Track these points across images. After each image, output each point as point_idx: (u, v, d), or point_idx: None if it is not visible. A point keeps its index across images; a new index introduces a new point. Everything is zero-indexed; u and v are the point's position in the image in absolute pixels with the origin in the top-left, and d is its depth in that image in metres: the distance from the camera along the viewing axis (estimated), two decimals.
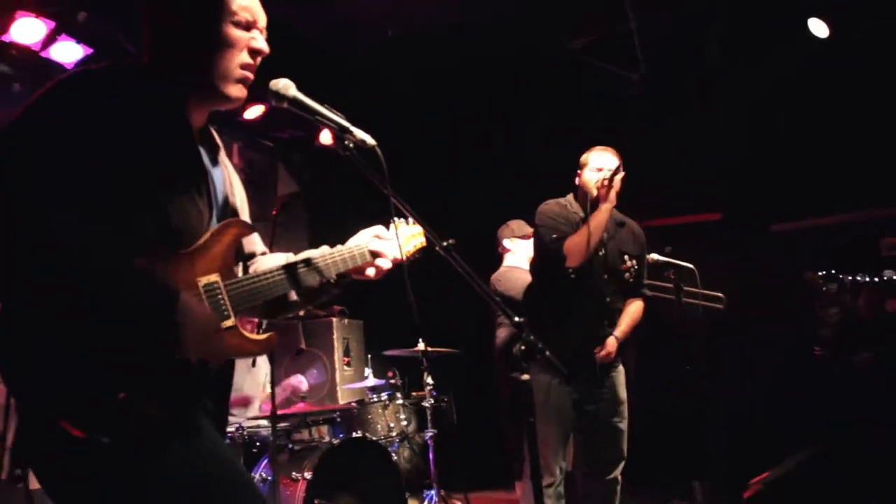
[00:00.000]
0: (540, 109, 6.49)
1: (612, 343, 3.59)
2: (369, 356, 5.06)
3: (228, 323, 1.62)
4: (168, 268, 1.53)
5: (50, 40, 4.26)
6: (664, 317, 4.66)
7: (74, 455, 1.43)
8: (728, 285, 4.93)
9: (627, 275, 3.67)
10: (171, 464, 1.48)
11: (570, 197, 3.80)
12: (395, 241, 1.93)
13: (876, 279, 7.70)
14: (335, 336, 5.86)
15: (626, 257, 3.68)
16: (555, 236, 3.60)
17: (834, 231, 7.06)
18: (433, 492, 4.56)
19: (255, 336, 1.68)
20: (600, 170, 3.60)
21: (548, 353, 2.02)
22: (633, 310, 3.77)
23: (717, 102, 6.07)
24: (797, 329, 6.64)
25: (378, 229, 1.96)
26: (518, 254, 4.71)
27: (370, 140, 1.74)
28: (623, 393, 3.70)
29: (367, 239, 1.92)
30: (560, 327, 3.49)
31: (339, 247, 1.89)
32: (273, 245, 3.88)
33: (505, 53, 5.97)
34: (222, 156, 1.80)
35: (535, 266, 3.95)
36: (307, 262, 1.81)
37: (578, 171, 3.74)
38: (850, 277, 8.03)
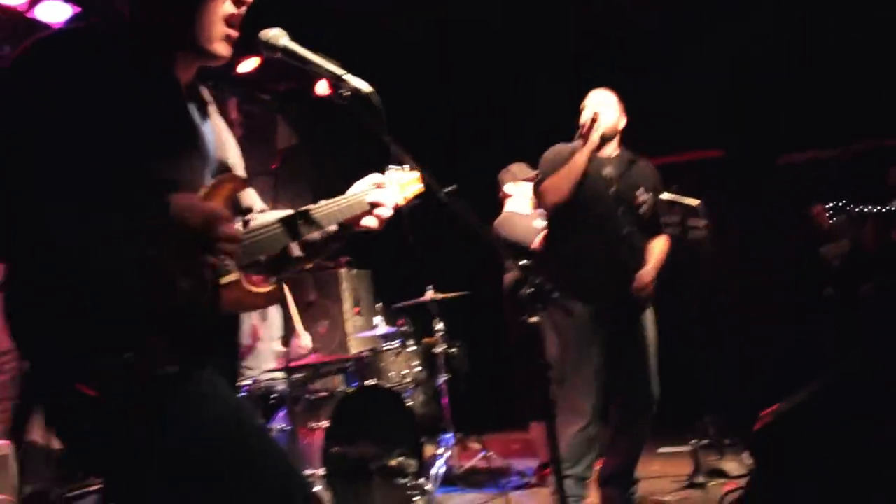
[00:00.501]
0: (542, 48, 6.38)
1: (646, 274, 3.54)
2: (379, 305, 5.09)
3: (231, 277, 1.61)
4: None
5: (35, 0, 4.19)
6: (672, 255, 4.68)
7: (91, 414, 1.45)
8: (734, 223, 4.93)
9: (643, 209, 3.61)
10: (186, 417, 1.49)
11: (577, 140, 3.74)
12: (394, 187, 1.90)
13: (884, 210, 7.70)
14: (343, 287, 5.89)
15: (639, 192, 3.62)
16: (540, 177, 3.62)
17: (840, 163, 7.00)
18: (450, 435, 4.64)
19: (258, 289, 1.66)
20: (599, 102, 3.61)
21: (556, 294, 2.02)
22: (659, 246, 3.72)
23: (720, 37, 5.96)
24: (806, 266, 6.65)
25: (376, 177, 1.92)
26: (519, 198, 4.68)
27: (366, 87, 1.70)
28: (653, 332, 3.66)
29: (365, 187, 1.90)
30: (582, 267, 3.48)
31: (337, 197, 1.87)
32: (276, 199, 3.87)
33: None
34: (212, 111, 1.77)
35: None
36: (304, 213, 1.79)
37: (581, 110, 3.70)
38: (857, 209, 8.02)
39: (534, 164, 4.94)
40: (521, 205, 4.66)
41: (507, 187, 4.72)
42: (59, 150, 1.41)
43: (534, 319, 2.02)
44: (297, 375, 4.00)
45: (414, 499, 3.99)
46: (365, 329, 5.42)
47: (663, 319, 6.71)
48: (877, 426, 2.98)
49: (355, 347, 5.35)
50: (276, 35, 1.70)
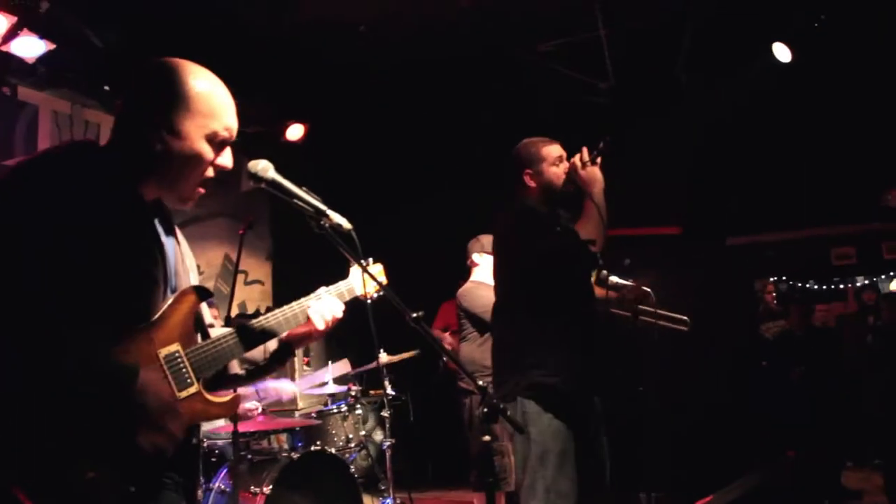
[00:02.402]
0: (508, 115, 6.52)
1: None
2: (330, 363, 5.09)
3: (192, 390, 1.65)
4: (129, 344, 1.56)
5: (11, 35, 4.14)
6: (618, 333, 4.79)
7: None
8: (685, 297, 5.06)
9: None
10: None
11: (529, 203, 3.16)
12: (331, 299, 1.96)
13: (823, 288, 7.96)
14: None
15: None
16: (554, 233, 3.04)
17: (788, 245, 7.30)
18: (389, 499, 4.64)
19: (218, 399, 1.71)
20: (561, 159, 3.16)
21: (509, 413, 2.06)
22: None
23: (682, 117, 6.19)
24: (752, 340, 6.88)
25: (319, 291, 1.99)
26: (486, 268, 4.75)
27: (346, 224, 1.77)
28: None
29: (305, 301, 1.96)
30: (562, 351, 2.92)
31: (282, 308, 1.92)
32: (238, 259, 3.88)
33: (472, 54, 5.95)
34: (173, 226, 1.82)
35: (521, 283, 3.07)
36: (252, 325, 1.84)
37: (529, 171, 3.14)
38: (799, 286, 8.29)
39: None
40: (486, 275, 4.73)
41: (475, 257, 4.78)
42: (33, 263, 1.46)
43: (486, 439, 2.05)
44: (242, 435, 3.97)
45: None
46: (314, 384, 5.40)
47: (606, 392, 6.85)
48: None
49: (303, 402, 5.32)
50: (265, 168, 1.77)
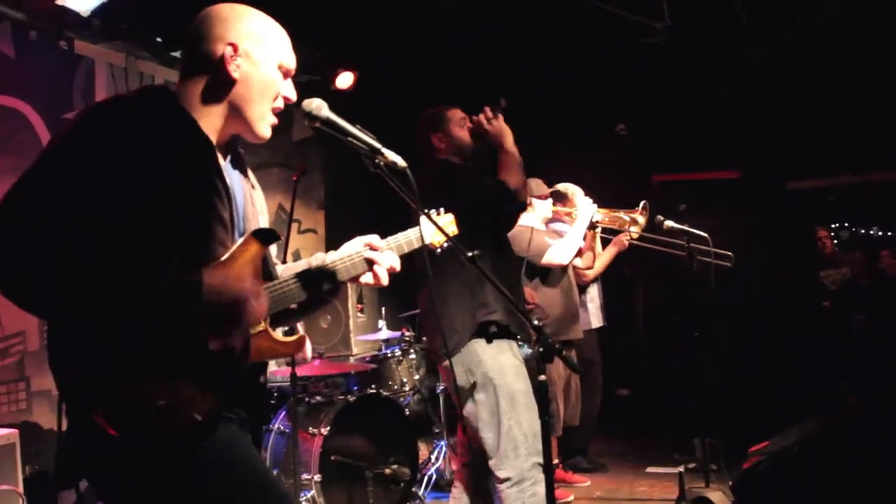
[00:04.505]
0: (559, 59, 6.37)
1: None
2: (383, 308, 5.15)
3: (260, 328, 1.69)
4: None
5: None
6: (677, 279, 4.73)
7: (110, 452, 1.53)
8: (743, 242, 4.96)
9: None
10: (201, 469, 1.57)
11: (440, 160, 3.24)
12: (388, 251, 1.93)
13: (889, 233, 7.68)
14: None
15: None
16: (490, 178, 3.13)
17: (851, 190, 7.05)
18: (443, 442, 4.73)
19: (285, 338, 1.76)
20: (465, 120, 3.26)
21: (565, 352, 2.06)
22: None
23: (740, 58, 5.96)
24: (812, 287, 6.73)
25: (371, 238, 1.95)
26: (533, 213, 4.74)
27: (401, 162, 1.77)
28: None
29: (358, 248, 1.92)
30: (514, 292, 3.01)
31: (342, 255, 1.90)
32: (293, 208, 3.92)
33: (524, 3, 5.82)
34: (245, 167, 1.85)
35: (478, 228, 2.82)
36: (320, 268, 1.85)
37: (436, 135, 3.24)
38: (862, 233, 8.02)
39: (548, 181, 4.99)
40: (534, 220, 4.73)
41: None
42: (103, 201, 1.51)
43: (543, 378, 2.05)
44: (301, 379, 4.06)
45: None
46: (368, 330, 5.48)
47: (662, 337, 6.80)
48: (862, 480, 3.06)
49: (358, 349, 5.42)
50: (319, 106, 1.78)
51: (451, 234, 2.08)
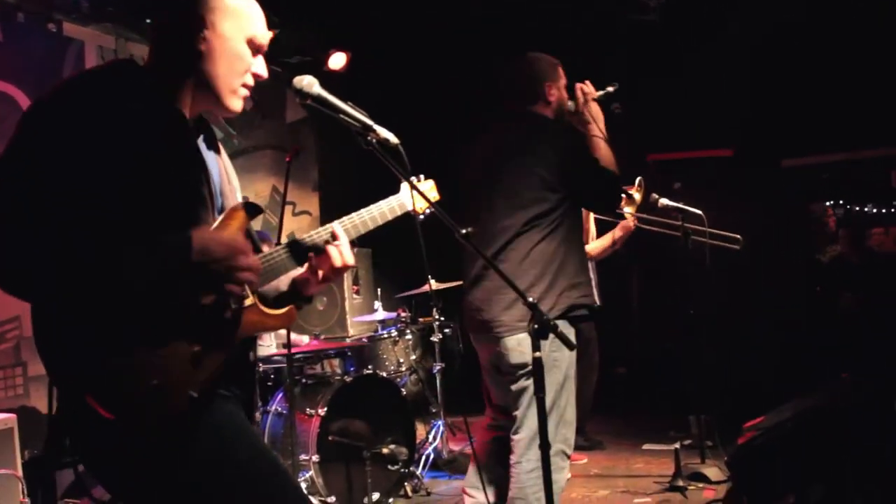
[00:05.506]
0: (554, 42, 6.33)
1: None
2: (378, 289, 5.16)
3: (248, 301, 1.69)
4: None
5: None
6: (672, 259, 4.74)
7: (106, 435, 1.52)
8: (738, 221, 4.96)
9: None
10: (201, 448, 1.56)
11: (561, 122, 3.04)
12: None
13: (883, 210, 7.70)
14: None
15: None
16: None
17: (844, 167, 7.05)
18: (440, 422, 4.75)
19: (274, 311, 1.76)
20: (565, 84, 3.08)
21: (559, 329, 2.05)
22: None
23: (733, 36, 5.93)
24: (805, 264, 6.74)
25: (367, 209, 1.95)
26: None
27: (393, 139, 1.76)
28: None
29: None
30: (579, 275, 2.86)
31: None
32: (286, 190, 3.91)
33: None
34: (217, 144, 1.84)
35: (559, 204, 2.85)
36: (307, 238, 1.85)
37: (550, 85, 2.99)
38: (857, 209, 8.04)
39: None
40: None
41: None
42: (84, 177, 1.49)
43: (537, 355, 2.05)
44: (296, 356, 4.07)
45: (403, 484, 4.12)
46: (364, 312, 5.49)
47: (657, 316, 6.81)
48: (856, 458, 3.08)
49: (354, 330, 5.43)
50: (310, 83, 1.77)
51: (433, 200, 2.08)
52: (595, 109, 3.00)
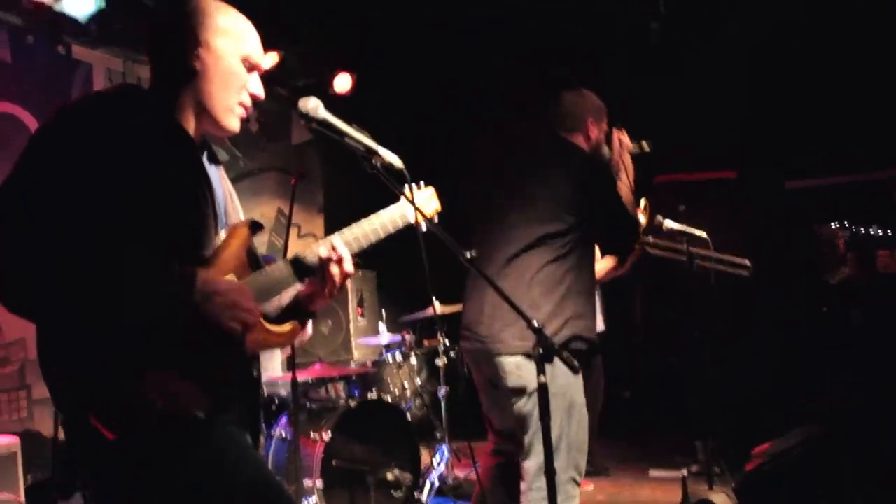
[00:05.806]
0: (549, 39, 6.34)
1: None
2: (383, 310, 5.14)
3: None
4: None
5: None
6: (676, 279, 4.71)
7: (109, 455, 1.51)
8: (742, 242, 4.95)
9: None
10: (202, 468, 1.56)
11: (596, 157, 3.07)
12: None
13: (888, 234, 7.68)
14: (348, 286, 5.94)
15: None
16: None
17: (849, 188, 7.04)
18: (445, 446, 4.71)
19: (277, 328, 1.77)
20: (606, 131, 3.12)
21: (565, 353, 2.03)
22: None
23: (735, 58, 5.96)
24: (810, 286, 6.72)
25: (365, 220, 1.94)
26: None
27: (398, 162, 1.77)
28: None
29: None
30: (586, 307, 2.84)
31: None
32: (291, 212, 3.91)
33: None
34: (219, 164, 1.85)
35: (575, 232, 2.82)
36: (309, 253, 1.84)
37: (597, 124, 3.04)
38: (863, 231, 8.02)
39: None
40: None
41: None
42: (85, 179, 1.50)
43: (542, 380, 2.03)
44: (300, 380, 4.05)
45: None
46: (369, 333, 5.48)
47: (661, 335, 6.77)
48: (864, 481, 3.05)
49: (359, 353, 5.41)
50: (315, 106, 1.77)
51: (435, 209, 2.08)
52: (628, 160, 3.04)
